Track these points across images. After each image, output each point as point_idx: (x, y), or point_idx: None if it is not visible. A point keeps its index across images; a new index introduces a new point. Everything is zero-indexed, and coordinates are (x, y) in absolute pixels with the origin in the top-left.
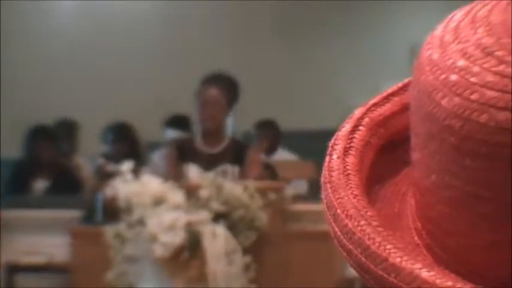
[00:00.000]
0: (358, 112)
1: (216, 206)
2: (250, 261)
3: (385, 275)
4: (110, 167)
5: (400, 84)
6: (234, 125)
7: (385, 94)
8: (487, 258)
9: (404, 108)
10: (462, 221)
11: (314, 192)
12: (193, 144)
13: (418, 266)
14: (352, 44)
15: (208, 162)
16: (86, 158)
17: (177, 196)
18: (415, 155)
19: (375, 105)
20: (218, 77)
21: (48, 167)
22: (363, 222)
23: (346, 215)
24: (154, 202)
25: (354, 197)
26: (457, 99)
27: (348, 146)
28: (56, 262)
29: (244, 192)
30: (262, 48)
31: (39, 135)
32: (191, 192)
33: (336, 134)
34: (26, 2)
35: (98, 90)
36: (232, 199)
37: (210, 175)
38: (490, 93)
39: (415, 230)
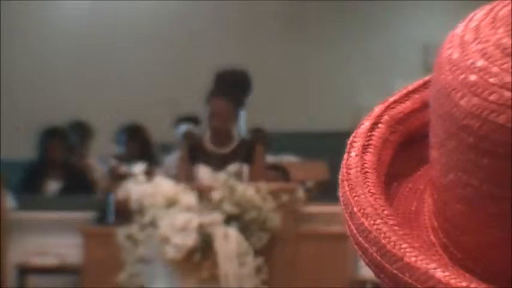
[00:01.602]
0: (377, 109)
1: (228, 207)
2: (262, 262)
3: (400, 274)
4: (122, 169)
5: (420, 81)
6: (244, 122)
7: (405, 91)
8: (503, 258)
9: (424, 105)
10: (478, 220)
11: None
12: (203, 145)
13: (432, 265)
14: (363, 43)
15: (219, 163)
16: (98, 159)
17: (189, 198)
18: (433, 154)
19: (395, 102)
20: (228, 76)
21: (60, 168)
22: (379, 221)
23: (363, 213)
24: (167, 204)
25: (371, 196)
26: (475, 100)
27: (366, 143)
28: (67, 263)
29: (256, 194)
30: (271, 48)
31: (51, 136)
32: (203, 194)
33: (355, 131)
34: (30, 2)
35: (109, 92)
36: (244, 201)
37: (223, 176)
38: (509, 94)
39: (431, 228)
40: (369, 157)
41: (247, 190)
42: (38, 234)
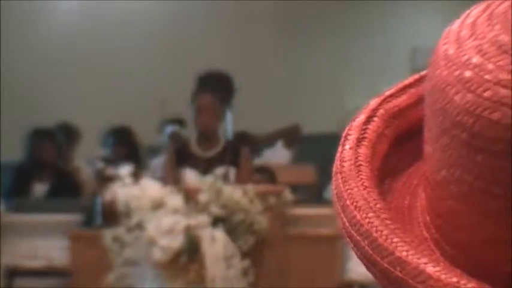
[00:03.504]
0: (373, 103)
1: (215, 210)
2: (249, 265)
3: (391, 268)
4: (110, 171)
5: (416, 76)
6: (231, 124)
7: (401, 85)
8: (495, 255)
9: (420, 100)
10: (471, 216)
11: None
12: (189, 148)
13: (424, 260)
14: (352, 45)
15: (205, 166)
16: (85, 161)
17: (176, 200)
18: (427, 149)
19: (391, 96)
20: (212, 78)
21: (48, 170)
22: (371, 214)
23: (355, 206)
24: (154, 206)
25: (364, 189)
26: (470, 96)
27: (361, 136)
28: (55, 265)
29: (243, 196)
30: (261, 50)
31: (39, 138)
32: (190, 196)
33: (350, 124)
34: (27, 2)
35: (96, 94)
36: (231, 203)
37: (209, 179)
38: (503, 92)
39: (423, 223)
40: (363, 150)
41: (234, 192)
42: (26, 237)
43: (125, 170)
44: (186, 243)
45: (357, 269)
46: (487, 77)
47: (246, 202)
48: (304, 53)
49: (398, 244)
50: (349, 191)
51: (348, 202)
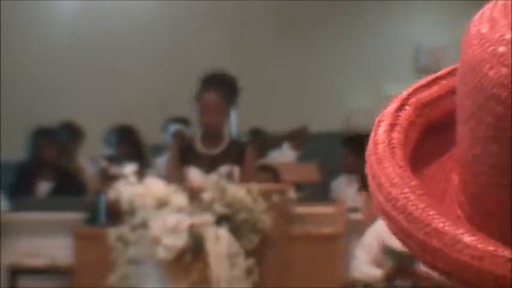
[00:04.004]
0: (405, 92)
1: (219, 208)
2: (253, 264)
3: (427, 239)
4: (114, 169)
5: (448, 69)
6: (238, 126)
7: (433, 77)
8: None
9: (451, 91)
10: (505, 190)
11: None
12: (194, 146)
13: (460, 230)
14: (356, 45)
15: (209, 164)
16: (89, 160)
17: (180, 198)
18: (460, 130)
19: (422, 86)
20: (216, 78)
21: (51, 168)
22: (406, 189)
23: (391, 183)
24: (158, 204)
25: (399, 168)
26: (504, 70)
27: (393, 122)
28: (58, 264)
29: (247, 195)
30: (263, 50)
31: (42, 137)
32: (194, 195)
33: (382, 111)
34: (27, 2)
35: (100, 93)
36: (235, 202)
37: (214, 177)
38: None
39: (458, 203)
40: (396, 135)
41: (238, 191)
42: (29, 236)
43: (129, 168)
44: (190, 242)
45: (361, 268)
46: None
47: (249, 201)
48: (307, 52)
49: (435, 216)
50: (383, 170)
51: (382, 180)
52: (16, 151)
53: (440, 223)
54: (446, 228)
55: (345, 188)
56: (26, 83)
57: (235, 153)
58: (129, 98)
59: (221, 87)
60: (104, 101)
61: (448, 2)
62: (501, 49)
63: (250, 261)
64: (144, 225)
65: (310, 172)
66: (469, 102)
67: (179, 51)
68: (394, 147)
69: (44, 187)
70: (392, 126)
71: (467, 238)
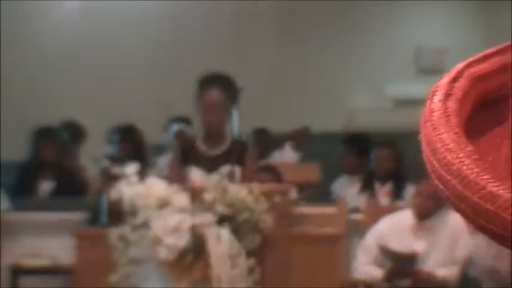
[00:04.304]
0: (458, 66)
1: (221, 208)
2: (254, 264)
3: (482, 202)
4: (115, 169)
5: (501, 46)
6: (239, 126)
7: (485, 53)
8: None
9: (503, 68)
10: None
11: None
12: (195, 147)
13: None
14: (356, 46)
15: (210, 164)
16: (91, 160)
17: (181, 199)
18: None
19: (475, 61)
20: (217, 78)
21: (52, 168)
22: (462, 154)
23: (446, 148)
24: (159, 205)
25: (455, 133)
26: None
27: (448, 92)
28: (60, 264)
29: (248, 195)
30: (264, 50)
31: (43, 136)
32: (196, 195)
33: (437, 83)
34: (27, 2)
35: (102, 92)
36: (236, 202)
37: (215, 178)
38: None
39: (508, 172)
40: (451, 104)
41: (239, 191)
42: (30, 235)
43: (130, 168)
44: (191, 242)
45: (361, 269)
46: None
47: (251, 201)
48: (309, 53)
49: (489, 180)
50: (439, 136)
51: (438, 145)
52: (17, 151)
53: (494, 187)
54: (501, 191)
55: (346, 189)
56: (26, 82)
57: (236, 153)
58: (130, 98)
59: (221, 86)
60: (105, 101)
61: (450, 3)
62: None
63: (252, 261)
64: (145, 225)
65: (312, 173)
66: None
67: (181, 50)
68: (449, 115)
69: (45, 187)
70: (447, 95)
71: None
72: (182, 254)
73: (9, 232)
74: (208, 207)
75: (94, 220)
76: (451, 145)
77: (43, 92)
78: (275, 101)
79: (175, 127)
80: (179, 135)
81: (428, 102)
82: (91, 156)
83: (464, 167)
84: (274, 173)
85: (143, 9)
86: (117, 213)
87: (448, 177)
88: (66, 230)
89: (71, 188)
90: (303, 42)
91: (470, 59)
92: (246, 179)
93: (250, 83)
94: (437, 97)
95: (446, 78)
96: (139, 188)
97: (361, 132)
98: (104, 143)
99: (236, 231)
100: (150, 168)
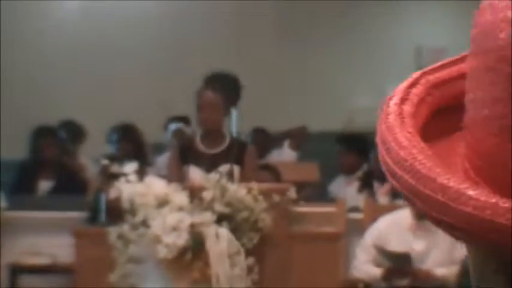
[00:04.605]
0: (416, 73)
1: (220, 207)
2: (253, 263)
3: (433, 194)
4: (114, 168)
5: (459, 56)
6: (238, 125)
7: (443, 62)
8: None
9: (461, 76)
10: (510, 150)
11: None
12: (194, 145)
13: (464, 185)
14: (356, 45)
15: (209, 163)
16: (90, 158)
17: (180, 197)
18: (468, 96)
19: (433, 69)
20: (217, 77)
21: (52, 167)
22: (415, 150)
23: (400, 146)
24: (158, 203)
25: (408, 133)
26: None
27: (404, 97)
28: (59, 263)
29: (248, 194)
30: (265, 49)
31: (42, 135)
32: (195, 194)
33: (394, 89)
34: (27, 2)
35: (101, 91)
36: (235, 201)
37: (214, 177)
38: None
39: (463, 171)
40: (406, 108)
41: (238, 190)
42: (30, 234)
43: (130, 167)
44: (190, 241)
45: (361, 268)
46: None
47: (250, 200)
48: (309, 52)
49: (440, 173)
50: (393, 135)
51: (392, 144)
52: (16, 150)
53: (445, 179)
54: (451, 183)
55: (345, 188)
56: (26, 81)
57: (235, 152)
58: (130, 97)
59: (221, 85)
60: (105, 100)
61: (450, 3)
62: (510, 13)
63: (251, 261)
64: (144, 224)
65: (311, 172)
66: (479, 67)
67: (180, 50)
68: (404, 117)
69: (44, 186)
70: (403, 100)
71: (471, 192)
72: (181, 253)
73: (9, 231)
74: (207, 206)
75: (93, 219)
76: (405, 143)
77: (43, 91)
78: (275, 101)
79: (174, 126)
80: (177, 134)
81: (384, 107)
82: (90, 155)
83: (417, 163)
84: (273, 172)
85: (143, 9)
86: (117, 212)
87: (401, 173)
88: (66, 228)
89: (71, 187)
90: (303, 42)
91: (429, 67)
92: (246, 178)
93: (250, 83)
94: (393, 101)
95: (402, 85)
96: (139, 187)
97: (358, 132)
98: (104, 142)
99: (235, 230)
100: (149, 167)
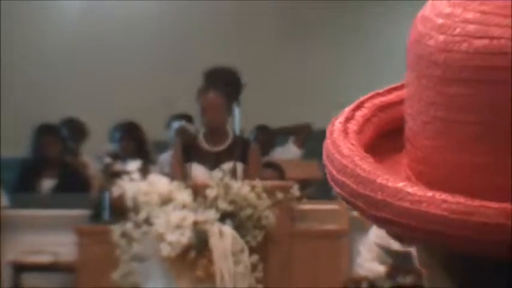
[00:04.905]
0: (363, 97)
1: (223, 205)
2: (257, 260)
3: (373, 194)
4: (117, 166)
5: (404, 82)
6: (242, 123)
7: (389, 87)
8: (472, 184)
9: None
10: (448, 150)
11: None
12: (197, 143)
13: (402, 183)
14: (356, 45)
15: (213, 161)
16: (93, 156)
17: (184, 195)
18: (406, 109)
19: (379, 94)
20: (219, 73)
21: (54, 165)
22: (356, 158)
23: (342, 155)
24: (162, 201)
25: (351, 144)
26: (442, 37)
27: (349, 117)
28: (62, 261)
29: (251, 192)
30: (267, 47)
31: (45, 133)
32: (198, 192)
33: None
34: (27, 2)
35: (103, 90)
36: (239, 199)
37: (218, 174)
38: (471, 27)
39: (406, 179)
40: (351, 126)
41: (242, 188)
42: (33, 232)
43: (132, 165)
44: (194, 239)
45: (365, 265)
46: (456, 19)
47: (253, 198)
48: (311, 50)
49: (379, 174)
50: (337, 147)
51: (335, 155)
52: (18, 148)
53: (384, 180)
54: (390, 183)
55: None
56: (28, 80)
57: (239, 150)
58: (132, 95)
59: (222, 84)
60: (107, 98)
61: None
62: (440, 21)
63: (255, 258)
64: (148, 222)
65: (314, 169)
66: (414, 75)
67: (182, 48)
68: (348, 133)
69: (47, 184)
70: (347, 119)
71: (409, 188)
72: (185, 251)
73: (12, 229)
74: (211, 204)
75: (96, 217)
76: (347, 152)
77: (44, 90)
78: (277, 98)
79: (177, 124)
80: (180, 132)
81: (329, 126)
82: (93, 154)
83: (358, 168)
84: (276, 170)
85: (144, 8)
86: (120, 210)
87: (343, 179)
88: (69, 226)
89: (73, 185)
90: (304, 41)
91: (376, 91)
92: (249, 175)
93: (252, 81)
94: (338, 120)
95: (348, 108)
96: (142, 185)
97: None
98: (106, 141)
99: (239, 228)
100: (152, 165)
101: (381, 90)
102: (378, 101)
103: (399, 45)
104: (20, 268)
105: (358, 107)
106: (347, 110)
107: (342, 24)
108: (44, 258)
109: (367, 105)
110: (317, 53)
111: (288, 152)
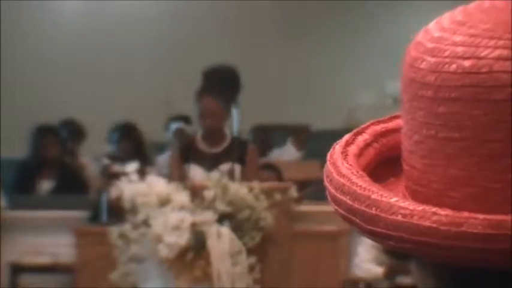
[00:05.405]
0: (363, 125)
1: (221, 206)
2: (254, 261)
3: (368, 210)
4: (115, 168)
5: None
6: (240, 123)
7: (392, 115)
8: (462, 197)
9: None
10: (440, 167)
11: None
12: (195, 145)
13: (395, 199)
14: (357, 44)
15: (211, 162)
16: (91, 158)
17: (182, 197)
18: (402, 131)
19: (380, 121)
20: (214, 72)
21: (53, 166)
22: (353, 177)
23: (340, 174)
24: (160, 203)
25: (349, 165)
26: (433, 59)
27: (350, 141)
28: (60, 262)
29: (249, 193)
30: (266, 48)
31: (44, 135)
32: (196, 193)
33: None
34: (27, 2)
35: (101, 91)
36: (237, 200)
37: (216, 175)
38: (460, 48)
39: (402, 197)
40: (351, 149)
41: (240, 189)
42: (31, 234)
43: (131, 166)
44: (192, 240)
45: (363, 266)
46: (446, 42)
47: (251, 199)
48: (310, 50)
49: (375, 190)
50: (336, 168)
51: (334, 174)
52: (17, 149)
53: (378, 196)
54: (384, 198)
55: None
56: (27, 80)
57: (236, 151)
58: (130, 96)
59: (221, 85)
60: (105, 99)
61: (449, 2)
62: (430, 45)
63: (252, 259)
64: (146, 223)
65: (313, 170)
66: (408, 97)
67: (181, 49)
68: (347, 155)
69: (46, 185)
70: (348, 143)
71: (401, 203)
72: (183, 252)
73: (10, 230)
74: (209, 205)
75: (95, 218)
76: (345, 172)
77: (43, 90)
78: (276, 99)
79: (175, 125)
80: (178, 133)
81: (330, 151)
82: (91, 155)
83: (354, 186)
84: (274, 171)
85: (143, 8)
86: (118, 212)
87: (341, 197)
88: (67, 228)
89: (72, 186)
90: (304, 40)
91: (377, 119)
92: (247, 177)
93: (251, 81)
94: (339, 145)
95: (350, 133)
96: (140, 186)
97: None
98: (104, 142)
99: (237, 229)
100: (150, 166)
101: (382, 118)
102: (379, 127)
103: (399, 45)
104: (18, 269)
105: (359, 132)
106: (348, 135)
107: (342, 24)
108: (43, 259)
109: (368, 131)
110: (317, 53)
111: (286, 153)
